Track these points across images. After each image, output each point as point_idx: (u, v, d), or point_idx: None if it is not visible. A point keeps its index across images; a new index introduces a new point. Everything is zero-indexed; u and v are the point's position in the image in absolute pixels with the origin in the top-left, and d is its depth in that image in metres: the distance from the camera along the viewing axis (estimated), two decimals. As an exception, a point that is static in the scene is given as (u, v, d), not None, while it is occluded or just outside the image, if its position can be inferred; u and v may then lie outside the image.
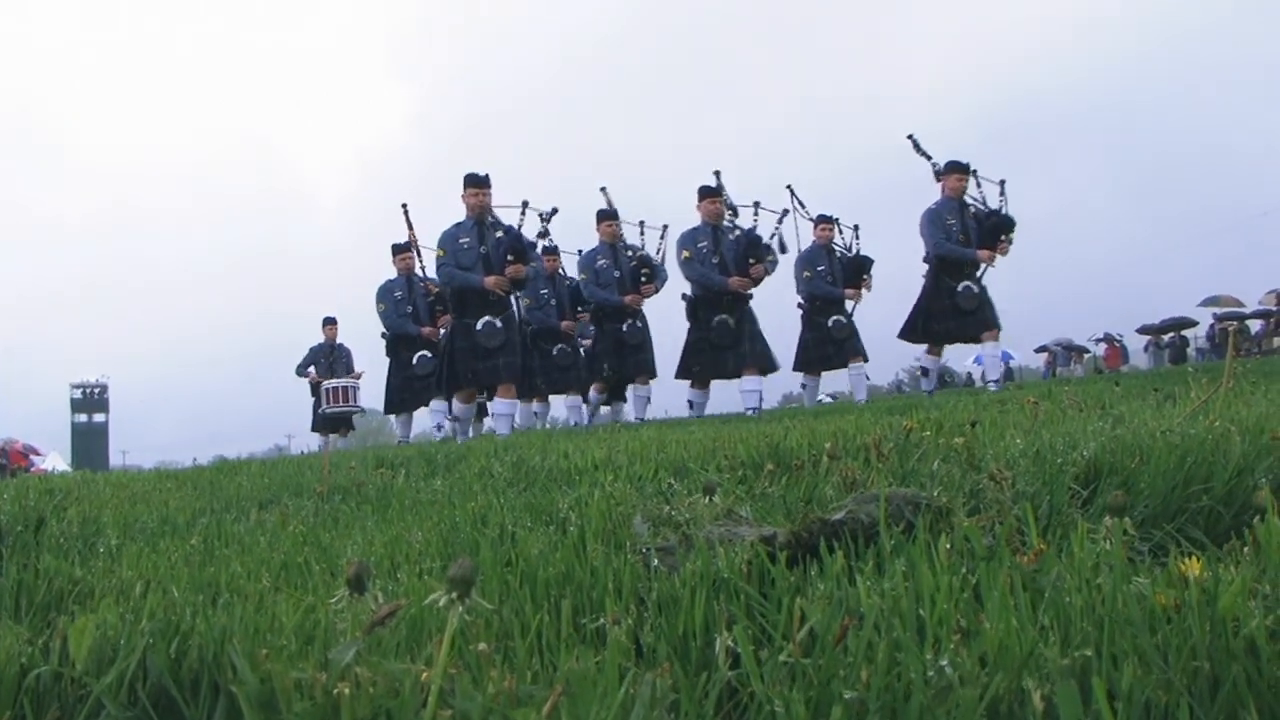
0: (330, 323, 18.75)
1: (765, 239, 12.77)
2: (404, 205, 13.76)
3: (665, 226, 14.09)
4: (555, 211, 11.95)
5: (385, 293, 14.26)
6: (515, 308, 11.90)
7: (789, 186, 14.01)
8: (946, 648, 1.15)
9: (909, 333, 12.67)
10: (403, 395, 14.24)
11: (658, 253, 13.97)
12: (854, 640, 1.20)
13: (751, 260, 11.99)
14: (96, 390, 37.92)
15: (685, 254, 12.07)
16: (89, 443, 35.26)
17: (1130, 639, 1.11)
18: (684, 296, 12.49)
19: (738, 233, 12.43)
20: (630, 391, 14.03)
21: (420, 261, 14.02)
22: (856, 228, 14.51)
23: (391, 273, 14.43)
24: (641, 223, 14.26)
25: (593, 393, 14.46)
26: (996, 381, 12.67)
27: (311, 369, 18.35)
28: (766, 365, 13.18)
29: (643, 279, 13.22)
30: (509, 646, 1.46)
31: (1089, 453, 2.49)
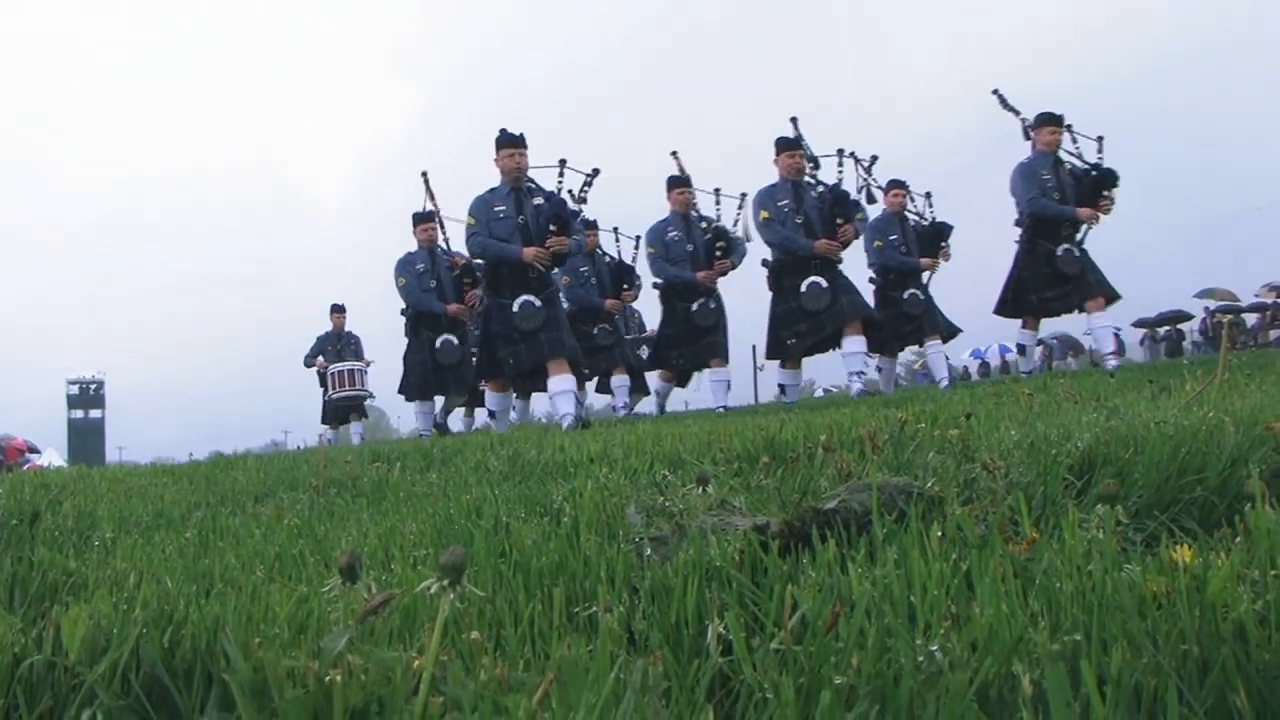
0: (338, 310, 18.12)
1: (853, 194, 11.27)
2: (424, 173, 12.75)
3: (743, 195, 12.19)
4: (597, 173, 10.37)
5: (405, 266, 12.89)
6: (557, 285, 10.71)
7: (851, 154, 12.04)
8: (936, 633, 1.15)
9: (1003, 306, 11.35)
10: (423, 380, 12.95)
11: (735, 225, 12.25)
12: (845, 627, 1.20)
13: (839, 220, 10.53)
14: (93, 386, 37.87)
15: (764, 214, 10.69)
16: (85, 439, 35.23)
17: (1120, 624, 1.11)
18: (764, 263, 11.07)
19: (821, 189, 11.00)
20: (705, 379, 12.36)
21: (444, 233, 12.96)
22: (929, 194, 13.40)
23: (411, 244, 13.11)
24: (717, 190, 12.68)
25: (658, 381, 13.26)
26: (1114, 355, 11.05)
27: (319, 358, 17.77)
28: (939, 329, 12.40)
29: (718, 254, 11.86)
30: (502, 635, 1.47)
31: (1083, 444, 2.49)
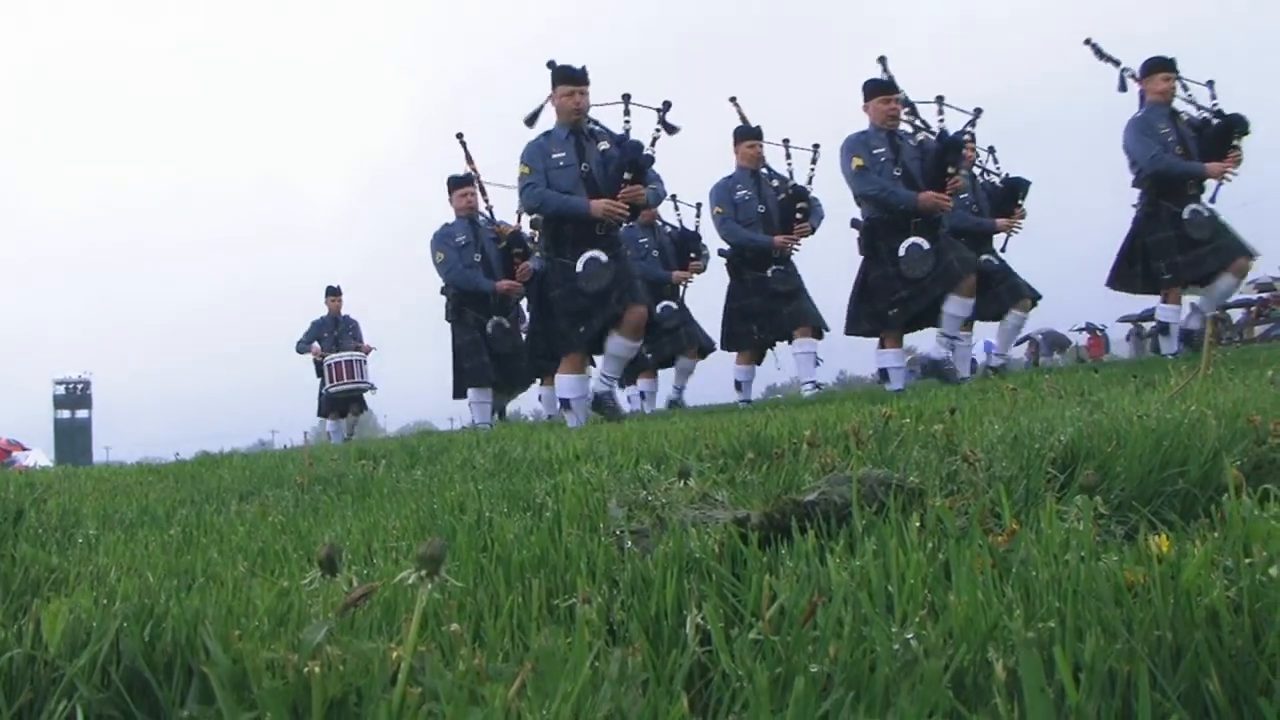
0: (334, 293, 16.79)
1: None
2: (460, 135, 11.12)
3: (816, 146, 10.86)
4: (669, 106, 8.86)
5: (444, 239, 11.23)
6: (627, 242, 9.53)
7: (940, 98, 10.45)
8: (912, 621, 1.16)
9: (1123, 280, 10.08)
10: (478, 363, 11.19)
11: (809, 181, 10.84)
12: (823, 616, 1.21)
13: (949, 170, 9.04)
14: (79, 386, 37.72)
15: (857, 161, 9.05)
16: (72, 439, 35.12)
17: (1095, 611, 1.12)
18: (854, 224, 9.42)
19: (922, 137, 9.69)
20: (790, 351, 10.64)
21: (485, 200, 11.34)
22: (992, 149, 12.07)
23: (448, 215, 11.46)
24: (786, 141, 10.97)
25: (737, 368, 11.38)
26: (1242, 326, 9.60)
27: (315, 345, 16.45)
28: (1023, 296, 10.95)
29: (797, 216, 10.46)
30: (482, 628, 1.47)
31: (1066, 437, 2.50)
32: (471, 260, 11.17)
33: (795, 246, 10.60)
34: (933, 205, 8.87)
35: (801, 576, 1.40)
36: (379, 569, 1.97)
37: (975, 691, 1.06)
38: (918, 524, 1.62)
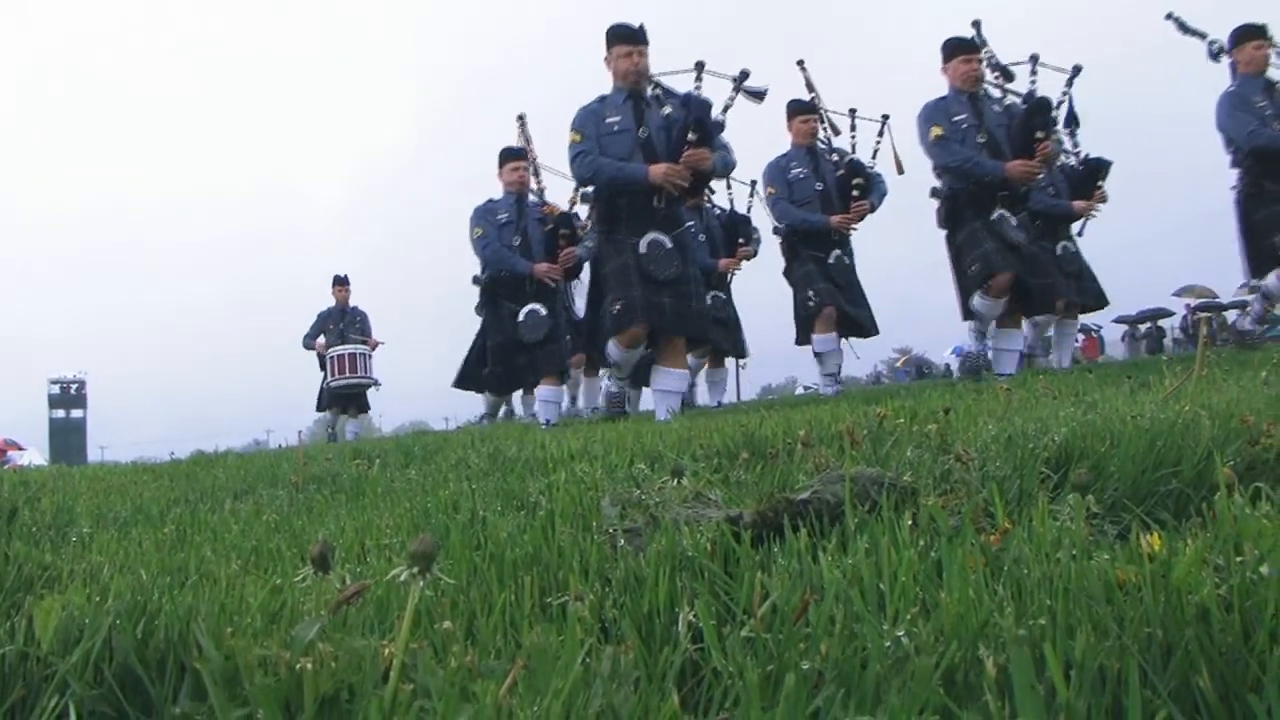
0: (341, 283, 15.92)
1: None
2: (520, 116, 10.63)
3: (885, 118, 10.10)
4: (747, 75, 8.12)
5: (484, 215, 10.16)
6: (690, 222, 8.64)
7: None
8: (904, 619, 1.16)
9: (1253, 263, 8.68)
10: (503, 367, 10.09)
11: (874, 157, 10.04)
12: (815, 614, 1.21)
13: (1038, 135, 8.12)
14: (74, 386, 37.66)
15: (936, 130, 8.26)
16: (67, 438, 35.08)
17: (1086, 609, 1.12)
18: (934, 193, 8.62)
19: (1009, 101, 8.79)
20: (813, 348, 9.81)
21: (538, 182, 10.61)
22: (1072, 122, 10.67)
23: (495, 190, 10.35)
24: (852, 111, 10.19)
25: (821, 339, 9.90)
26: None
27: (320, 338, 15.66)
28: (1091, 299, 10.24)
29: (854, 193, 9.57)
30: (475, 626, 1.47)
31: (1060, 437, 2.50)
32: (511, 240, 10.07)
33: (853, 227, 9.79)
34: (1022, 174, 8.12)
35: (794, 574, 1.40)
36: (372, 567, 1.97)
37: (966, 689, 1.06)
38: (910, 523, 1.62)
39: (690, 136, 7.41)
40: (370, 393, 16.01)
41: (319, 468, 4.76)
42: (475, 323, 10.83)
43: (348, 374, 15.25)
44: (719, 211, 11.95)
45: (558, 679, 1.05)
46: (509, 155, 10.37)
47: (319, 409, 16.18)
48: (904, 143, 9.79)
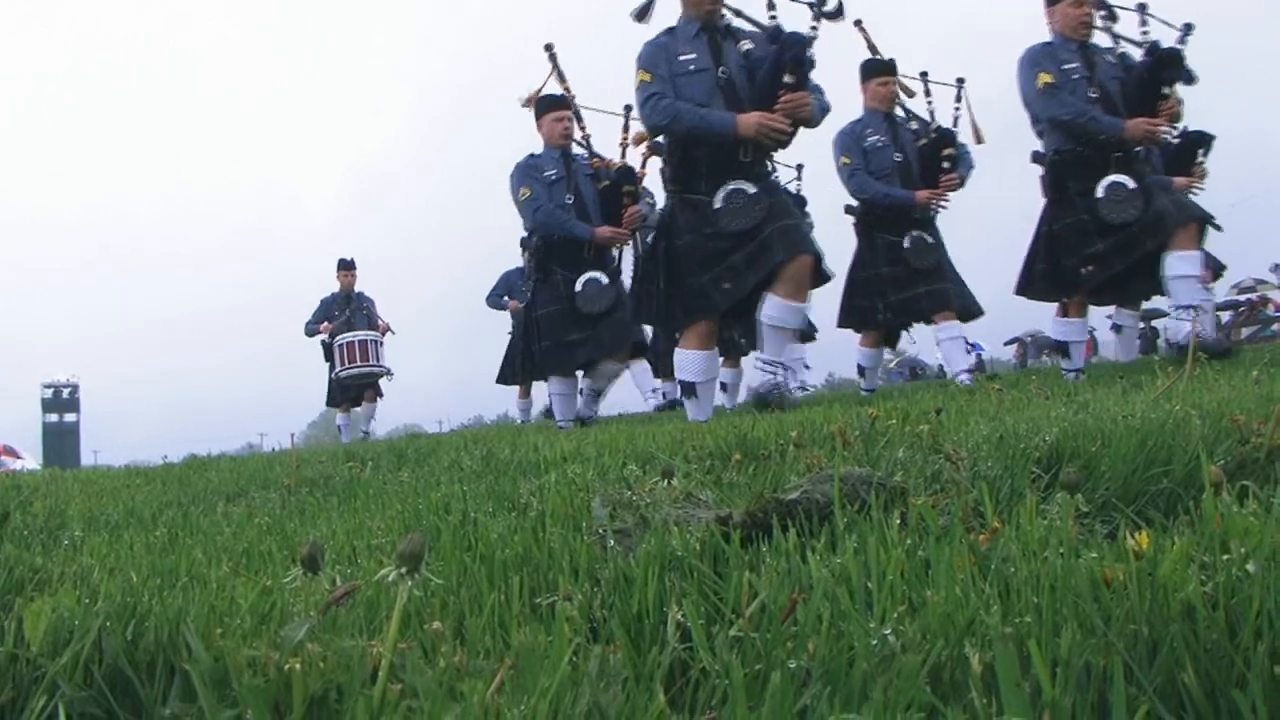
0: (346, 267, 14.95)
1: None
2: (549, 46, 9.02)
3: (960, 81, 9.08)
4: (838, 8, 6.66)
5: (529, 172, 8.70)
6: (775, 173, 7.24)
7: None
8: (890, 617, 1.17)
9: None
10: (553, 341, 8.61)
11: (954, 125, 8.97)
12: (803, 613, 1.21)
13: (1164, 90, 7.02)
14: (67, 390, 37.52)
15: (1044, 78, 7.03)
16: (60, 442, 34.91)
17: (1072, 606, 1.12)
18: (1036, 157, 7.40)
19: (1123, 50, 7.58)
20: (936, 336, 8.64)
21: (581, 128, 9.00)
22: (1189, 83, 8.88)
23: (535, 144, 8.94)
24: (924, 75, 9.12)
25: (861, 351, 9.23)
26: None
27: (325, 325, 14.70)
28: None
29: (944, 165, 8.48)
30: (464, 626, 1.48)
31: (1051, 437, 2.51)
32: (563, 200, 8.67)
33: (942, 203, 8.63)
34: (1144, 134, 6.97)
35: (782, 574, 1.41)
36: (363, 569, 1.97)
37: (952, 687, 1.06)
38: (899, 522, 1.63)
39: (786, 78, 6.22)
40: (384, 382, 15.13)
41: (312, 470, 4.76)
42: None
43: (358, 362, 14.28)
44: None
45: (545, 678, 1.05)
46: (550, 104, 8.93)
47: (330, 403, 15.26)
48: (982, 110, 9.04)
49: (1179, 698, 1.02)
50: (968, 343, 8.72)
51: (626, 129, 8.73)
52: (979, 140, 9.07)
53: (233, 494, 4.33)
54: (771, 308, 6.31)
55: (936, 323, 8.51)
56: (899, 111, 8.94)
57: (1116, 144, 6.98)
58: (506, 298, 14.22)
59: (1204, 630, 1.05)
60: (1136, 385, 4.65)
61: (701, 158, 6.41)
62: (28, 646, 1.33)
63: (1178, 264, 6.82)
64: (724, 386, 10.85)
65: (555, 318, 8.61)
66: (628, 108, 8.53)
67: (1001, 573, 1.31)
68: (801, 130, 6.53)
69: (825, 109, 6.90)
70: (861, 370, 9.39)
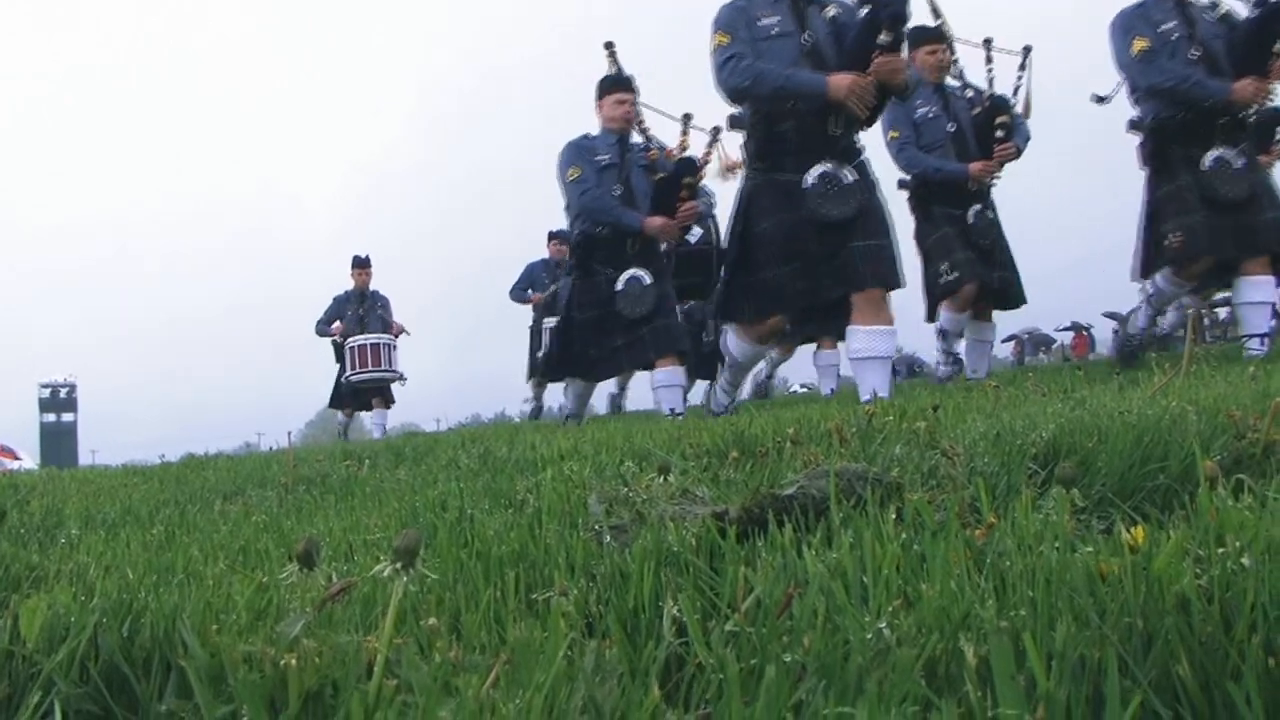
0: (361, 264, 14.26)
1: None
2: (608, 44, 8.13)
3: (1027, 49, 8.27)
4: None
5: (581, 152, 8.05)
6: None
7: None
8: (885, 612, 1.17)
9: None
10: (596, 348, 7.87)
11: (1014, 95, 8.29)
12: (799, 607, 1.21)
13: (1276, 50, 6.34)
14: (65, 390, 37.47)
15: (1139, 44, 6.51)
16: (58, 442, 34.86)
17: (1067, 599, 1.13)
18: (1132, 125, 6.90)
19: (1223, 10, 6.84)
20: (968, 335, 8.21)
21: (640, 121, 8.19)
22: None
23: (589, 125, 8.25)
24: (988, 43, 8.27)
25: (946, 314, 8.30)
26: None
27: (336, 324, 14.07)
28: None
29: (998, 134, 7.84)
30: (461, 622, 1.48)
31: (1048, 434, 2.51)
32: (611, 188, 7.95)
33: (996, 176, 8.01)
34: (1253, 95, 6.43)
35: (777, 569, 1.41)
36: (359, 565, 1.98)
37: (948, 680, 1.06)
38: (894, 517, 1.63)
39: (882, 38, 5.60)
40: (396, 387, 14.39)
41: (309, 469, 4.76)
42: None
43: (370, 367, 13.61)
44: None
45: (540, 673, 1.05)
46: (613, 85, 8.17)
47: (333, 405, 14.63)
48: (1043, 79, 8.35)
49: (1174, 690, 1.02)
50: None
51: (685, 133, 8.06)
52: (1026, 114, 8.40)
53: (230, 492, 4.33)
54: (858, 340, 5.90)
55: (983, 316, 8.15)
56: (951, 81, 8.36)
57: (1223, 109, 6.49)
58: (530, 290, 13.98)
59: (1199, 623, 1.06)
60: (1134, 382, 4.65)
61: (788, 132, 5.93)
62: (24, 643, 1.33)
63: (1249, 290, 6.51)
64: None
65: (595, 323, 7.84)
66: (687, 116, 8.07)
67: (997, 567, 1.31)
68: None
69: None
70: (944, 334, 8.47)
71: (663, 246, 8.19)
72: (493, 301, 14.13)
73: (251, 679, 1.14)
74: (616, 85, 8.11)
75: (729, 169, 7.97)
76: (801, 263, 5.88)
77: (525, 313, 14.47)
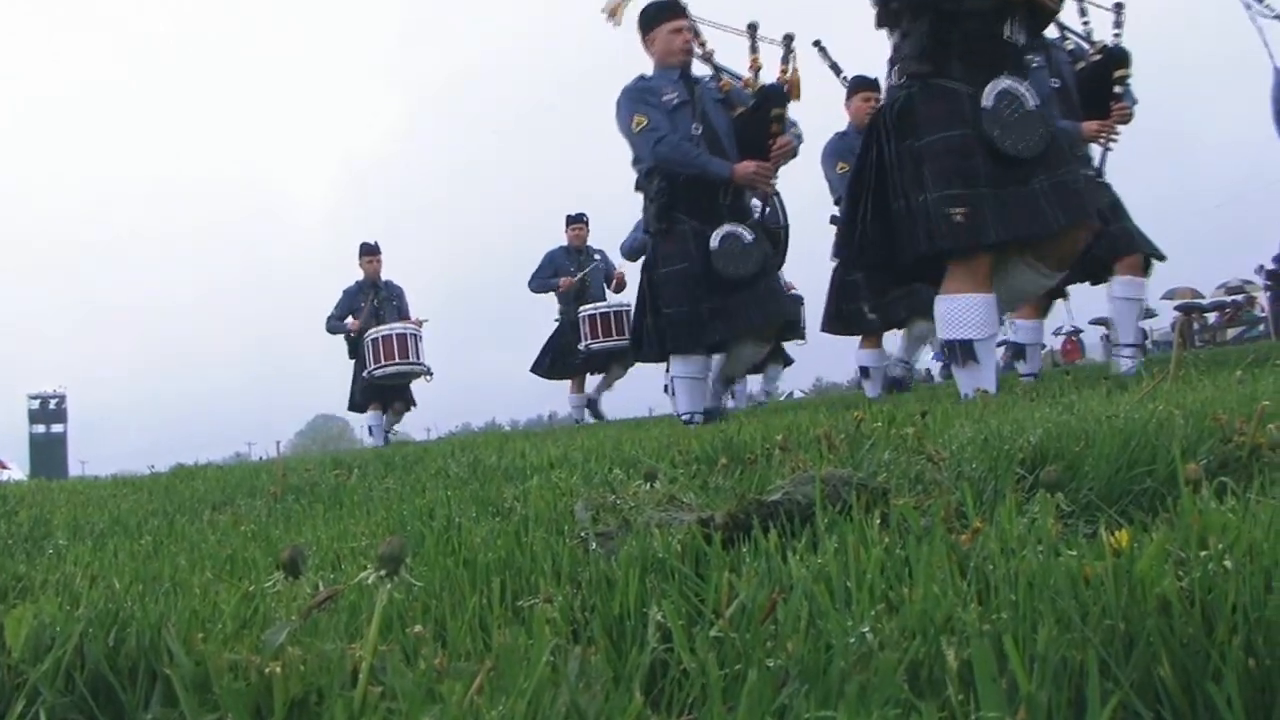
0: (370, 252, 13.01)
1: None
2: (751, 26, 6.78)
3: (1119, 6, 7.16)
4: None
5: (643, 96, 6.85)
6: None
7: None
8: (868, 616, 1.17)
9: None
10: (690, 316, 6.63)
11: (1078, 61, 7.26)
12: (783, 612, 1.22)
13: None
14: (54, 401, 37.40)
15: None
16: (48, 453, 34.81)
17: (1049, 602, 1.13)
18: None
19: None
20: (1110, 293, 7.19)
21: (701, 44, 7.04)
22: None
23: (643, 64, 7.11)
24: None
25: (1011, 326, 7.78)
26: None
27: (350, 319, 12.79)
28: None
29: (1115, 89, 6.95)
30: (447, 629, 1.48)
31: (1035, 438, 2.51)
32: (689, 130, 6.71)
33: (1114, 137, 7.01)
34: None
35: (761, 574, 1.41)
36: (346, 574, 1.98)
37: (930, 683, 1.07)
38: (879, 522, 1.64)
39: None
40: (423, 382, 13.08)
41: (298, 478, 4.75)
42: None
43: (396, 359, 12.12)
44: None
45: (523, 679, 1.06)
46: (662, 12, 6.97)
47: (353, 407, 13.02)
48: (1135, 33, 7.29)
49: (1156, 692, 1.03)
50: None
51: (755, 49, 6.95)
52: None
53: (219, 502, 4.32)
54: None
55: (1116, 272, 7.11)
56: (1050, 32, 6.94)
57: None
58: (555, 277, 12.95)
59: (1180, 625, 1.06)
60: (1122, 387, 4.67)
61: (952, 39, 5.06)
62: (9, 653, 1.33)
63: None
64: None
65: (682, 279, 6.70)
66: (752, 27, 6.95)
67: (981, 571, 1.32)
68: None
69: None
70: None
71: (753, 203, 7.13)
72: (483, 310, 13.50)
73: (236, 687, 1.14)
74: (667, 12, 6.97)
75: (789, 86, 6.98)
76: (995, 187, 5.02)
77: (535, 310, 13.78)
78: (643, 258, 7.36)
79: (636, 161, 7.10)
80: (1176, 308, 30.58)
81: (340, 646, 1.19)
